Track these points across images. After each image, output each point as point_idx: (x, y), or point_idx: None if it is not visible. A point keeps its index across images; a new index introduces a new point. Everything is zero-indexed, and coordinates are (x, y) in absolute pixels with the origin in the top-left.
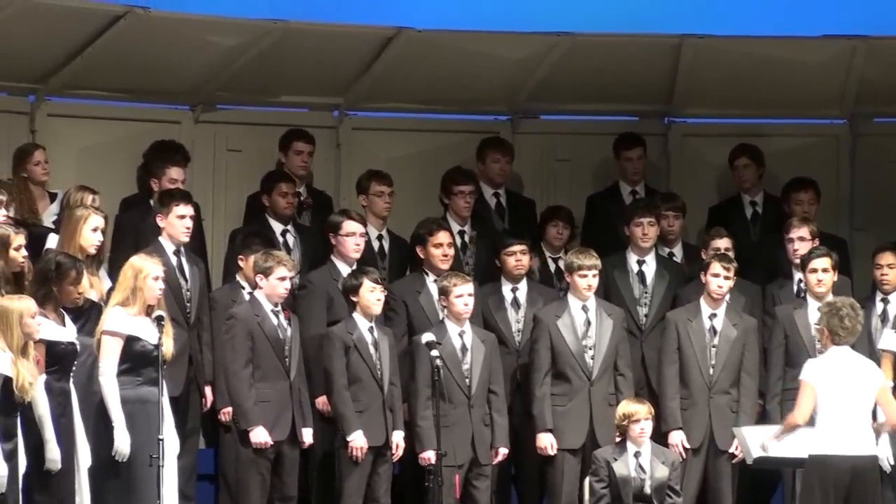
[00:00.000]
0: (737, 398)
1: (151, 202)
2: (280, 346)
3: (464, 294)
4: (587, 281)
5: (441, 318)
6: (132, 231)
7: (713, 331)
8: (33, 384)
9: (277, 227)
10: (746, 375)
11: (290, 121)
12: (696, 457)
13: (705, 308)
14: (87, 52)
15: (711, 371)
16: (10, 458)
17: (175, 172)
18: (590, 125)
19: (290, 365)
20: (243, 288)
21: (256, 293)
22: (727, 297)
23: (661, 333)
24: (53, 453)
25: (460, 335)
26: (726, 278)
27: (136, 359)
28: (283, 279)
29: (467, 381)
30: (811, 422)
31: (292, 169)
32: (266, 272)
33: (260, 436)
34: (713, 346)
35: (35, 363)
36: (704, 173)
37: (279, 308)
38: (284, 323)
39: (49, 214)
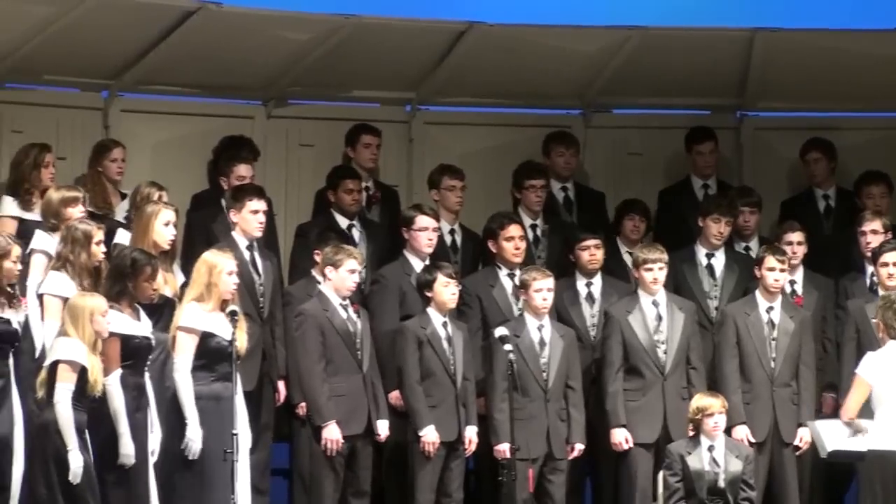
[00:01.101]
0: (797, 391)
1: (223, 200)
2: (351, 339)
3: (543, 289)
4: (653, 274)
5: (516, 311)
6: (203, 229)
7: (771, 324)
8: (100, 380)
9: (343, 221)
10: (805, 368)
11: (362, 116)
12: (761, 451)
13: (762, 301)
14: (160, 48)
15: (773, 364)
16: (86, 450)
17: (243, 170)
18: (662, 119)
19: (363, 358)
20: (319, 283)
21: (324, 287)
22: (799, 287)
23: (719, 327)
24: (127, 448)
25: (539, 329)
26: (782, 271)
27: (211, 355)
28: (352, 272)
29: (544, 374)
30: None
31: (361, 162)
32: (336, 264)
33: (332, 433)
34: (773, 340)
35: (107, 358)
36: (777, 167)
37: (347, 302)
38: (354, 316)
39: (121, 210)
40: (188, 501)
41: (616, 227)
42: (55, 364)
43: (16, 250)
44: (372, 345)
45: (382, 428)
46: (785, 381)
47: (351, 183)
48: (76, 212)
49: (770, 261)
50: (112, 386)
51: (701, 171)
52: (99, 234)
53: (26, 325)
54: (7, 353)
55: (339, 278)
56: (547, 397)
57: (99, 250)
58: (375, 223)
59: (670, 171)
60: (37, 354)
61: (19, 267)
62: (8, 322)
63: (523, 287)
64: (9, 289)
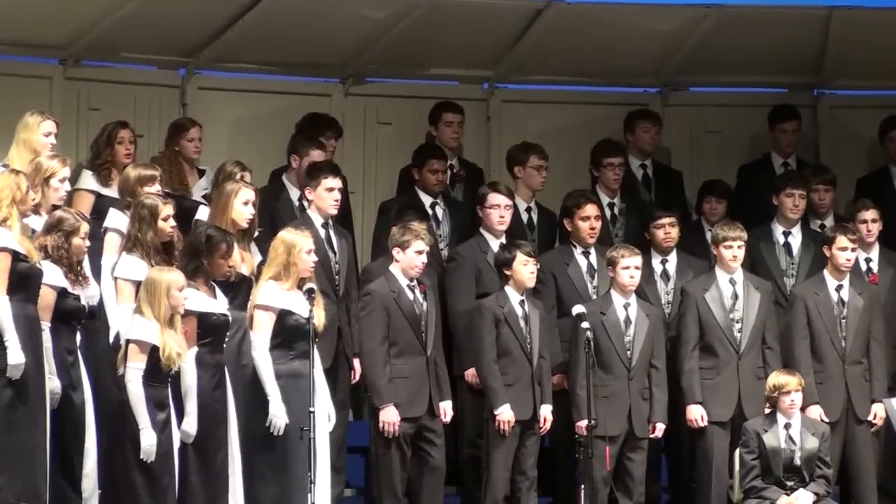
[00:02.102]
0: (868, 367)
1: (284, 176)
2: (417, 321)
3: (630, 266)
4: (732, 252)
5: (591, 290)
6: (265, 205)
7: (841, 302)
8: (181, 355)
9: (427, 199)
10: (875, 343)
11: (440, 93)
12: (835, 430)
13: (831, 280)
14: (238, 26)
15: (843, 343)
16: (164, 428)
17: (316, 154)
18: (739, 97)
19: (427, 340)
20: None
21: (392, 267)
22: (875, 265)
23: (789, 309)
24: (191, 427)
25: (625, 307)
26: (853, 250)
27: (289, 332)
28: (420, 252)
29: (629, 353)
30: None
31: (444, 141)
32: (403, 245)
33: (390, 415)
34: (843, 318)
35: (183, 336)
36: (854, 145)
37: (415, 283)
38: (420, 297)
39: (198, 189)
40: (267, 479)
41: (699, 207)
42: (127, 343)
43: (84, 226)
44: (438, 326)
45: (446, 409)
46: (856, 359)
47: (436, 163)
48: (152, 191)
49: (842, 240)
50: (186, 364)
51: (783, 150)
52: (166, 210)
53: (101, 304)
54: (76, 328)
55: (407, 259)
56: (630, 375)
57: (167, 226)
58: (458, 202)
59: (747, 150)
60: (111, 336)
61: (88, 243)
62: (77, 298)
63: (611, 265)
64: (78, 266)
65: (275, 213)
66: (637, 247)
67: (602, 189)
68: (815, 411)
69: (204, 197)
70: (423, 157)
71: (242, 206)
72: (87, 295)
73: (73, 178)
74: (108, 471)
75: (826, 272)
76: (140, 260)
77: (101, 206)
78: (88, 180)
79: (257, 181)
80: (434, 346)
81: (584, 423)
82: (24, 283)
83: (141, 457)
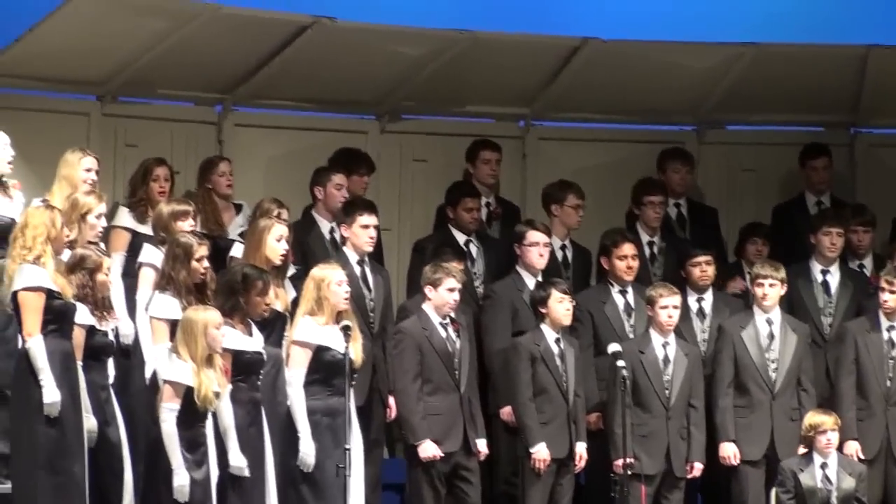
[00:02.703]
0: None
1: (313, 211)
2: (449, 358)
3: (669, 305)
4: (763, 290)
5: (628, 328)
6: (297, 241)
7: (891, 342)
8: (219, 394)
9: (461, 237)
10: None
11: (475, 131)
12: (872, 468)
13: (884, 320)
14: (274, 63)
15: (889, 382)
16: (199, 466)
17: (338, 178)
18: (775, 135)
19: (461, 377)
20: None
21: (425, 306)
22: None
23: (839, 343)
24: (238, 461)
25: (664, 346)
26: (891, 292)
27: (327, 368)
28: (451, 290)
29: (667, 392)
30: None
31: (481, 178)
32: (435, 283)
33: (428, 450)
34: (890, 359)
35: (223, 374)
36: (891, 183)
37: (447, 321)
38: (453, 335)
39: (235, 226)
40: None
41: (739, 251)
42: (163, 383)
43: (106, 262)
44: (472, 363)
45: (481, 447)
46: None
47: (470, 201)
48: (185, 226)
49: (881, 281)
50: (222, 402)
51: (815, 187)
52: (201, 251)
53: (136, 340)
54: (106, 364)
55: (439, 297)
56: (668, 415)
57: (200, 266)
58: (493, 239)
59: (783, 188)
60: (147, 372)
61: (111, 278)
62: (105, 334)
63: (650, 303)
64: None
65: (307, 247)
66: (676, 286)
67: (642, 227)
68: (852, 447)
69: (241, 234)
70: (457, 195)
71: (276, 243)
72: (123, 333)
73: (110, 215)
74: None
75: (880, 312)
76: (173, 298)
77: (136, 244)
78: (125, 218)
79: (293, 218)
80: (468, 384)
81: (621, 461)
82: (59, 319)
83: (174, 497)
